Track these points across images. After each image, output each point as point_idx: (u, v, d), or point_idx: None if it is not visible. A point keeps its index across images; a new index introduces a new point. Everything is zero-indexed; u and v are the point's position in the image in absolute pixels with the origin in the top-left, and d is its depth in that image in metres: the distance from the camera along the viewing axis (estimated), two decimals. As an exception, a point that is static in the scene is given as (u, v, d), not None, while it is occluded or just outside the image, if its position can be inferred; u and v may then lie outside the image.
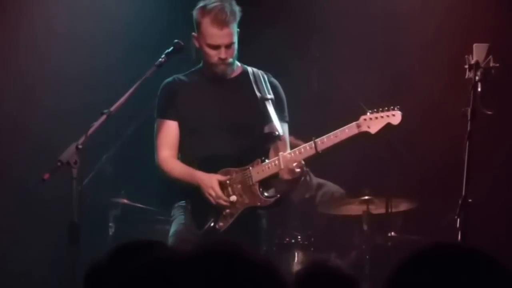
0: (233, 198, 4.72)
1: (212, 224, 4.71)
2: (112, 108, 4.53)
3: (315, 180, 6.18)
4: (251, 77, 4.90)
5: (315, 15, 6.45)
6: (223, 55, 4.81)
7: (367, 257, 5.59)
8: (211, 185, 4.70)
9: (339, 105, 6.07)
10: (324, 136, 4.61)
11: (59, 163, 4.33)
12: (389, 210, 5.51)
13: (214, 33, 4.81)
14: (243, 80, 4.90)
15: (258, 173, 4.74)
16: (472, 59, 4.46)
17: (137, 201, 5.43)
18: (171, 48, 4.78)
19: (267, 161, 4.74)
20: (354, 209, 5.72)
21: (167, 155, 4.86)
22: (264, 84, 4.88)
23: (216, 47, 4.83)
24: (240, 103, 4.84)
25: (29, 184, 5.69)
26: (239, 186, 4.75)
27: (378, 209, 5.63)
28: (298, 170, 4.63)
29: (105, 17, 6.32)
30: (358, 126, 4.58)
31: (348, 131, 4.60)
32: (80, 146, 4.35)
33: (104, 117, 4.51)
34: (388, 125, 4.49)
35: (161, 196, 4.88)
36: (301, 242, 5.64)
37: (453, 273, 1.77)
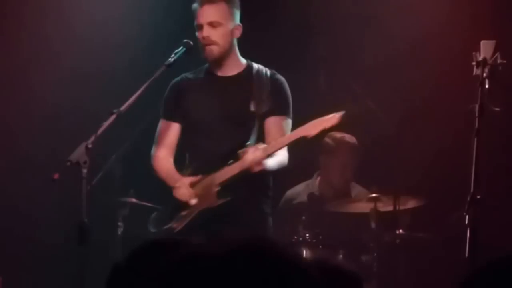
0: (193, 201, 4.71)
1: (169, 225, 4.74)
2: (122, 108, 4.54)
3: None
4: (253, 77, 4.82)
5: (322, 14, 6.45)
6: (204, 33, 4.72)
7: (375, 254, 5.57)
8: (178, 185, 4.72)
9: (346, 104, 5.95)
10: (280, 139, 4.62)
11: (68, 163, 4.34)
12: (397, 208, 5.48)
13: (197, 12, 4.78)
14: (243, 79, 4.84)
15: (221, 175, 4.71)
16: (480, 56, 4.46)
17: (145, 200, 5.44)
18: (181, 47, 4.77)
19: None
20: (362, 206, 5.70)
21: (161, 155, 4.91)
22: (264, 86, 4.79)
23: (200, 27, 4.77)
24: (233, 104, 4.79)
25: (39, 183, 5.68)
26: (204, 188, 4.74)
27: (385, 206, 5.60)
28: (258, 168, 4.58)
29: (114, 16, 6.36)
30: (301, 131, 4.55)
31: (291, 135, 4.59)
32: (90, 146, 4.36)
33: (114, 116, 4.51)
34: (325, 128, 4.48)
35: (169, 195, 4.89)
36: (309, 240, 5.62)
37: None
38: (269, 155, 4.59)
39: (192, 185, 4.74)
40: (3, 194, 6.26)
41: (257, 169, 4.56)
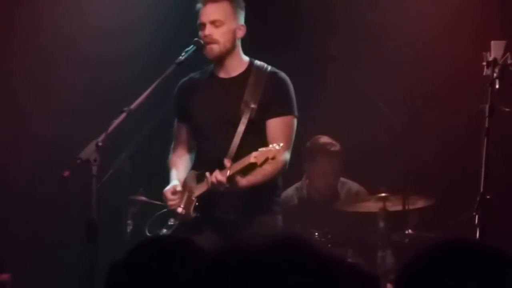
0: (179, 209, 4.71)
1: (161, 231, 4.75)
2: (132, 106, 4.55)
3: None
4: (254, 77, 4.78)
5: (333, 13, 6.45)
6: (206, 32, 4.71)
7: (383, 254, 5.58)
8: (164, 191, 4.74)
9: (356, 104, 6.10)
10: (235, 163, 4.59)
11: (79, 161, 4.35)
12: (406, 207, 5.48)
13: (200, 12, 4.77)
14: (243, 80, 4.80)
15: (199, 188, 4.73)
16: (490, 56, 4.45)
17: (155, 198, 5.41)
18: (191, 46, 4.77)
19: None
20: (371, 206, 5.71)
21: (175, 152, 4.92)
22: (264, 85, 4.74)
23: (203, 26, 4.75)
24: (232, 106, 4.76)
25: (49, 180, 5.69)
26: (187, 198, 4.76)
27: (394, 206, 5.61)
28: (222, 188, 4.59)
29: (128, 14, 6.36)
30: (249, 159, 4.51)
31: (243, 161, 4.55)
32: (100, 144, 4.36)
33: (124, 114, 4.52)
34: (267, 158, 4.44)
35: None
36: (318, 239, 5.64)
37: (463, 271, 1.75)
38: (230, 177, 4.54)
39: (175, 193, 4.75)
40: (14, 192, 6.29)
41: (222, 189, 4.55)
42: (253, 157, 4.44)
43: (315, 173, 6.14)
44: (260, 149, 4.44)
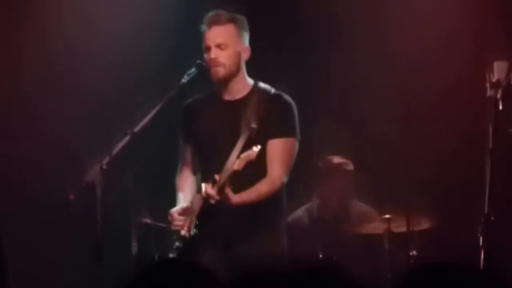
0: (183, 232, 4.69)
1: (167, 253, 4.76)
2: (136, 129, 4.57)
3: None
4: (257, 99, 4.76)
5: (334, 30, 6.44)
6: (212, 55, 4.71)
7: (388, 276, 5.55)
8: (171, 212, 4.73)
9: (356, 120, 6.11)
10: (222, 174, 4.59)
11: (84, 184, 4.42)
12: (411, 229, 5.46)
13: (205, 35, 4.77)
14: (247, 103, 4.78)
15: (195, 207, 4.73)
16: (493, 77, 4.46)
17: (160, 220, 5.42)
18: (193, 69, 4.78)
19: None
20: (375, 227, 5.71)
21: (182, 174, 4.93)
22: (267, 109, 4.71)
23: (208, 49, 4.76)
24: (234, 129, 4.74)
25: (55, 202, 5.72)
26: (189, 218, 4.74)
27: (399, 227, 5.60)
28: (213, 201, 4.59)
29: (128, 36, 6.33)
30: (232, 167, 4.54)
31: (227, 170, 4.57)
32: (104, 167, 4.41)
33: (127, 138, 4.55)
34: (249, 161, 4.49)
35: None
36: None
37: None
38: (221, 188, 4.54)
39: (182, 214, 4.74)
40: (19, 213, 6.28)
41: (212, 202, 4.55)
42: (236, 165, 4.46)
43: (329, 193, 6.11)
44: (241, 155, 4.48)
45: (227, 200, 4.58)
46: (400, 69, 6.14)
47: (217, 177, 4.57)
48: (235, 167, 4.49)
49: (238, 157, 4.54)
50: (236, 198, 4.60)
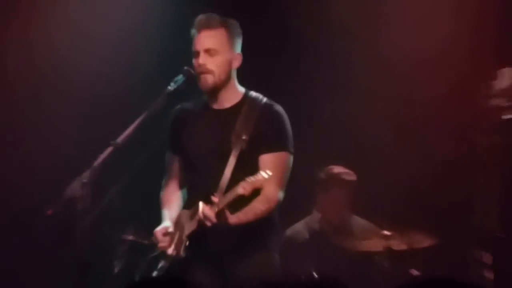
0: (170, 250, 4.57)
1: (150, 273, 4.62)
2: (119, 140, 4.40)
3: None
4: (247, 109, 4.61)
5: (330, 44, 6.37)
6: (200, 61, 4.54)
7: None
8: (155, 232, 4.59)
9: (351, 133, 6.02)
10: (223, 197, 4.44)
11: (63, 198, 4.26)
12: (412, 246, 5.33)
13: (194, 39, 4.61)
14: (236, 112, 4.63)
15: (189, 227, 4.58)
16: (498, 85, 4.30)
17: (145, 238, 5.19)
18: (180, 76, 4.60)
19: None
20: (374, 244, 5.53)
21: (167, 188, 4.78)
22: (258, 119, 4.57)
23: (197, 54, 4.59)
24: (223, 139, 4.59)
25: (37, 218, 5.46)
26: (178, 238, 4.61)
27: (399, 245, 5.44)
28: (209, 224, 4.44)
29: (115, 42, 6.29)
30: (237, 190, 4.35)
31: (231, 194, 4.39)
32: (85, 181, 4.25)
33: (110, 149, 4.36)
34: (255, 187, 4.31)
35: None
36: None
37: None
38: (220, 211, 4.39)
39: (166, 234, 4.59)
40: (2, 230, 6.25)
41: (208, 224, 4.39)
42: (241, 188, 4.29)
43: (329, 205, 5.99)
44: (247, 179, 4.29)
45: (224, 222, 4.43)
46: (401, 84, 6.08)
47: (215, 198, 4.43)
48: (241, 191, 4.31)
49: (243, 179, 4.35)
50: (233, 219, 4.45)
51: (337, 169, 5.95)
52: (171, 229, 4.60)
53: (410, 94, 6.03)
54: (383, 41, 6.10)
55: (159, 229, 4.61)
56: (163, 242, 4.57)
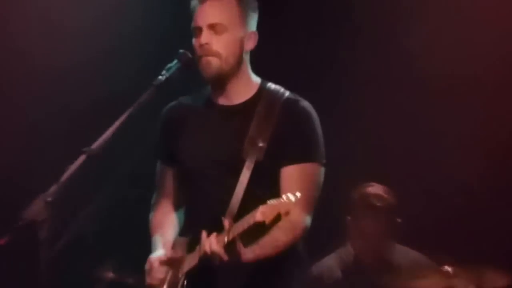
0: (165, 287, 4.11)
1: None
2: (94, 146, 3.77)
3: None
4: (265, 105, 4.01)
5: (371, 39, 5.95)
6: (203, 40, 3.94)
7: None
8: (151, 259, 4.04)
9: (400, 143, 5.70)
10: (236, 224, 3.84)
11: (21, 222, 3.69)
12: (482, 287, 4.78)
13: (195, 11, 4.03)
14: (250, 109, 4.03)
15: (188, 262, 4.02)
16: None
17: (127, 275, 4.89)
18: (175, 61, 3.94)
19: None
20: (432, 285, 4.95)
21: (156, 212, 4.25)
22: (279, 119, 3.96)
23: (198, 31, 4.00)
24: (232, 146, 4.00)
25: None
26: (172, 273, 4.05)
27: (466, 285, 4.86)
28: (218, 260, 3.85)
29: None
30: (254, 216, 3.71)
31: (246, 220, 3.73)
32: (49, 199, 3.68)
33: (83, 157, 3.75)
34: (279, 213, 3.64)
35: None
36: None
37: None
38: (230, 243, 3.81)
39: (164, 263, 4.05)
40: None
41: (217, 261, 3.84)
42: (259, 213, 3.60)
43: (369, 234, 5.48)
44: (269, 202, 3.62)
45: (236, 257, 3.81)
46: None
47: (226, 224, 3.79)
48: (259, 217, 3.62)
49: (261, 200, 3.71)
50: (248, 254, 3.82)
51: (373, 189, 5.50)
52: (171, 260, 4.02)
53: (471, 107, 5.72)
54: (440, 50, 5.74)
55: (156, 256, 4.03)
56: (158, 273, 3.98)
